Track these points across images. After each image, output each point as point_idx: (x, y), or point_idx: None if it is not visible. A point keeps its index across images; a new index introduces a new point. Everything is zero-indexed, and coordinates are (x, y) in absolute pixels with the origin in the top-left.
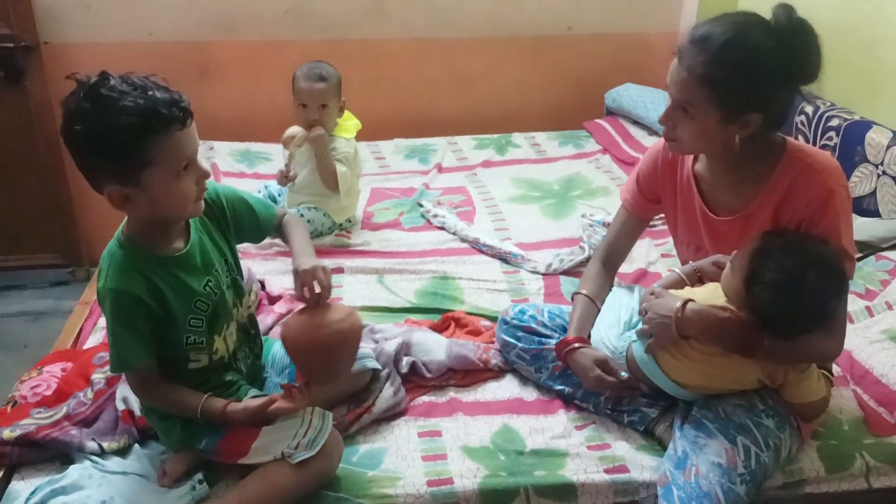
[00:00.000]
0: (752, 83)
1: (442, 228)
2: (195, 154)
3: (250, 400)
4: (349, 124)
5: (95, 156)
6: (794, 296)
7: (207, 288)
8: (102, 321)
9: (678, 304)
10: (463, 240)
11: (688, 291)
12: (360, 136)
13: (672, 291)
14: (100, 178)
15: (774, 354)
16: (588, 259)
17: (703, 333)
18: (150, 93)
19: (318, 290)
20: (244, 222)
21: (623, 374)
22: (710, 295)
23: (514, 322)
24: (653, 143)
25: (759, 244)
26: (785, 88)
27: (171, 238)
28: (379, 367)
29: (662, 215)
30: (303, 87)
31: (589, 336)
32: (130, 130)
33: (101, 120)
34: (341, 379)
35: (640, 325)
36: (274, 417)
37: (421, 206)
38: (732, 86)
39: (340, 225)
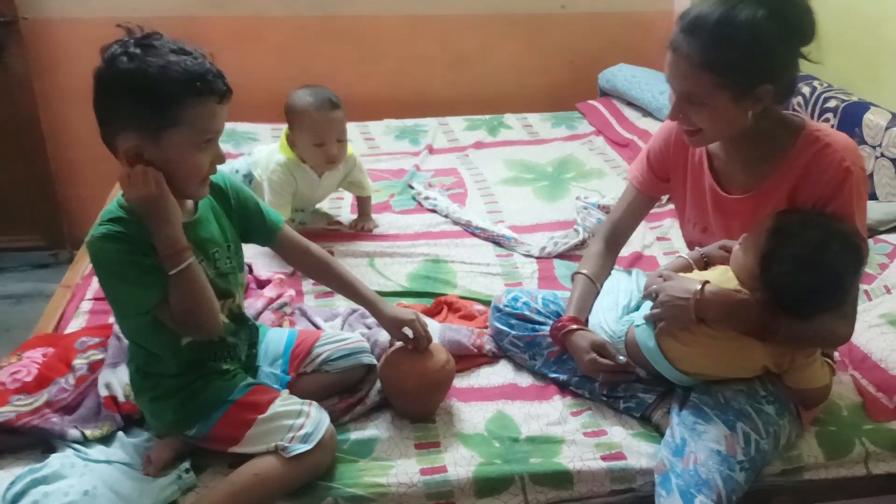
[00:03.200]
0: (753, 55)
1: (433, 211)
2: (219, 134)
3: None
4: None
5: (129, 99)
6: (815, 270)
7: (202, 266)
8: (85, 305)
9: (696, 286)
10: (455, 222)
11: (697, 275)
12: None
13: (681, 275)
14: (119, 126)
15: (789, 337)
16: (583, 242)
17: (722, 316)
18: (200, 60)
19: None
20: (250, 216)
21: (621, 357)
22: (721, 278)
23: (507, 309)
24: (647, 124)
25: (776, 222)
26: (787, 53)
27: None
28: (375, 362)
29: (667, 196)
30: (318, 119)
31: (587, 319)
32: (174, 82)
33: (149, 65)
34: (433, 412)
35: (644, 308)
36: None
37: (412, 187)
38: (736, 64)
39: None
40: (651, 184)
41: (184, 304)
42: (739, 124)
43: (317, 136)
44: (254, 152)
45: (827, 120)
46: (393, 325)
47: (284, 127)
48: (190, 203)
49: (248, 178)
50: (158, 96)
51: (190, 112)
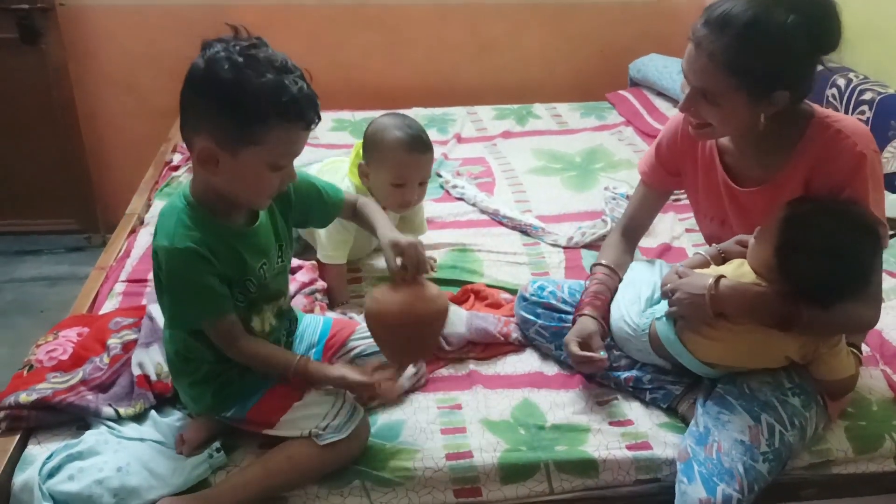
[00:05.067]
0: (779, 63)
1: (461, 199)
2: (296, 157)
3: (348, 371)
4: None
5: (218, 107)
6: (833, 257)
7: (262, 270)
8: (119, 287)
9: (710, 280)
10: (482, 211)
11: (713, 270)
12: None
13: (697, 271)
14: (201, 129)
15: (812, 326)
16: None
17: (740, 309)
18: (299, 83)
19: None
20: (313, 208)
21: (602, 352)
22: (737, 272)
23: (534, 298)
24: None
25: (789, 211)
26: (810, 61)
27: (236, 213)
28: None
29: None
30: (405, 160)
31: (606, 306)
32: (267, 104)
33: (247, 78)
34: (425, 358)
35: (663, 304)
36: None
37: (440, 176)
38: (759, 69)
39: None
40: (661, 179)
41: (256, 367)
42: (749, 125)
43: (399, 176)
44: (314, 166)
45: (862, 113)
46: (390, 248)
47: (354, 147)
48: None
49: None
50: (247, 114)
51: (273, 135)
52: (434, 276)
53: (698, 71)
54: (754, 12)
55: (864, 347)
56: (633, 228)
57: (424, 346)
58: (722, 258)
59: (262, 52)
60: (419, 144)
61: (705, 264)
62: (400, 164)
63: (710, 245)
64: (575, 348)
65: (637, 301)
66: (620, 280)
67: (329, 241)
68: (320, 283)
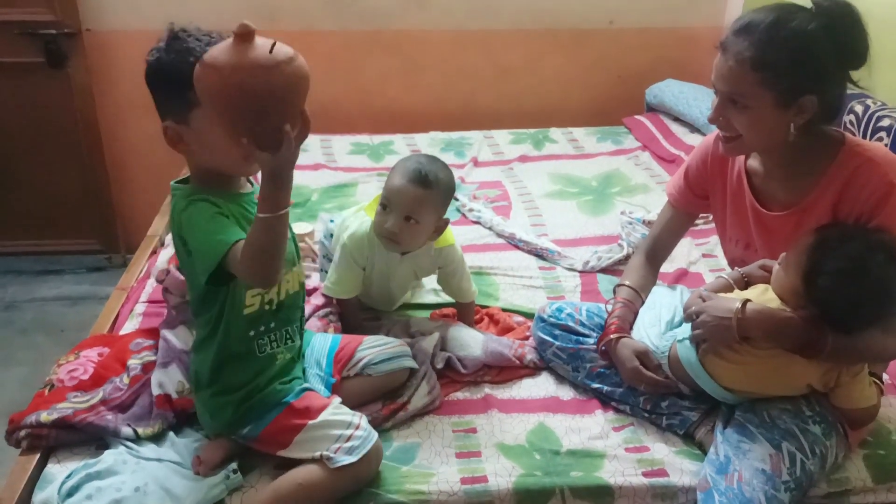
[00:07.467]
0: (802, 61)
1: (477, 223)
2: None
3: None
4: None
5: (157, 88)
6: (859, 283)
7: None
8: (139, 307)
9: (737, 304)
10: (499, 235)
11: (736, 294)
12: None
13: (721, 295)
14: (161, 111)
15: (837, 354)
16: (626, 257)
17: (766, 333)
18: (216, 40)
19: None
20: None
21: (662, 364)
22: (761, 298)
23: (552, 320)
24: (695, 140)
25: (816, 237)
26: (836, 70)
27: (235, 184)
28: (416, 366)
29: (706, 215)
30: (396, 184)
31: (630, 328)
32: (185, 65)
33: (166, 55)
34: (273, 143)
35: (684, 327)
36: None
37: (456, 199)
38: (783, 65)
39: None
40: (688, 201)
41: (268, 245)
42: (779, 135)
43: (385, 196)
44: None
45: (880, 139)
46: None
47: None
48: (245, 181)
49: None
50: (176, 83)
51: None
52: (451, 301)
53: (726, 74)
54: (777, 15)
55: (884, 377)
56: (657, 250)
57: (272, 122)
58: (745, 282)
59: (183, 33)
60: (415, 175)
61: (728, 288)
62: (390, 186)
63: (733, 269)
64: (649, 374)
65: (657, 323)
66: (643, 302)
67: (334, 273)
68: (334, 305)
